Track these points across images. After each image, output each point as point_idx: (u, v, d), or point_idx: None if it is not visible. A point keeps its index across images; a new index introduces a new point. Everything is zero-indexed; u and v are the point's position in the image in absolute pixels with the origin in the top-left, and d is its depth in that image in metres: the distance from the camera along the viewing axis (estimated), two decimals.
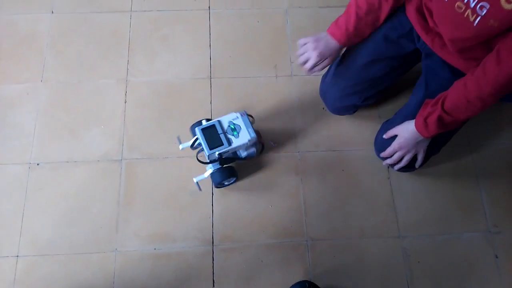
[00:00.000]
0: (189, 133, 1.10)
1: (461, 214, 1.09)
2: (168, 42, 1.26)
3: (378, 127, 1.16)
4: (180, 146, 1.03)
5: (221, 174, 1.03)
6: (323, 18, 1.30)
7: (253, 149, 1.05)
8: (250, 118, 1.03)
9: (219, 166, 1.03)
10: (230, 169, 1.05)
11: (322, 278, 1.02)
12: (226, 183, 1.07)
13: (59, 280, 1.00)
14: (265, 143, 1.09)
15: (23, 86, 1.19)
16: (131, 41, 1.26)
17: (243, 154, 1.05)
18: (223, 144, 0.99)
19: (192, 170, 1.09)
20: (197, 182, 1.03)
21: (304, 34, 1.27)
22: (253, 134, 1.01)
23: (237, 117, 1.02)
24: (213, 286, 1.01)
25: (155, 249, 1.04)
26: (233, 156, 1.05)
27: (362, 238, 1.06)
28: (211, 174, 1.03)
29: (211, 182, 1.07)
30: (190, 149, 1.05)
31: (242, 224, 1.07)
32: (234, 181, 1.09)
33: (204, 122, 1.03)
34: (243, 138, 1.00)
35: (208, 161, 1.01)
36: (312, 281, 0.99)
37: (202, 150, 1.01)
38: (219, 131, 1.00)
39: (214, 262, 1.03)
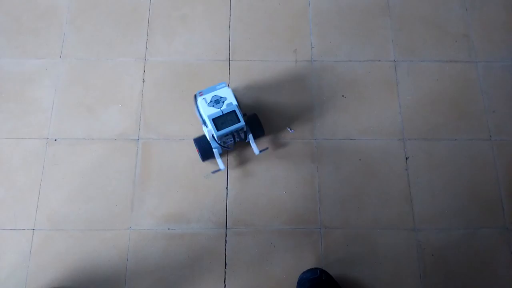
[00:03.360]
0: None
1: (478, 209, 1.07)
2: (187, 22, 1.24)
3: (398, 117, 1.15)
4: (221, 167, 1.04)
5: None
6: (347, 2, 1.27)
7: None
8: (200, 96, 1.02)
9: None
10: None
11: (334, 266, 1.02)
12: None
13: (74, 255, 1.02)
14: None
15: (42, 61, 1.19)
16: (150, 20, 1.24)
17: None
18: (235, 108, 0.99)
19: None
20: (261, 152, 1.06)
21: (327, 18, 1.25)
22: (223, 83, 1.02)
23: (204, 98, 1.01)
24: (225, 268, 1.02)
25: (169, 229, 1.04)
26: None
27: (376, 229, 1.05)
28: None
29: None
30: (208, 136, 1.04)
31: (256, 208, 1.06)
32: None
33: (209, 131, 1.01)
34: (228, 94, 1.01)
35: (244, 125, 1.01)
36: (324, 269, 0.99)
37: (241, 135, 1.03)
38: (219, 113, 0.99)
39: (226, 244, 1.03)
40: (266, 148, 1.09)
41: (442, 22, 1.26)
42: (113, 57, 1.20)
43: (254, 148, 1.05)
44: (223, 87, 1.02)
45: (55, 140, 1.11)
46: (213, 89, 1.02)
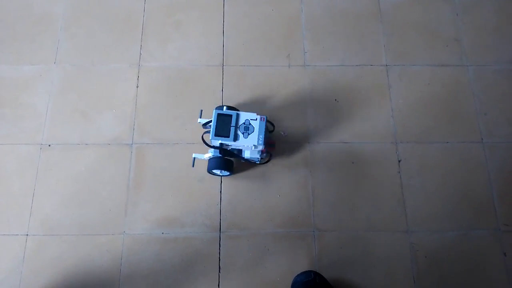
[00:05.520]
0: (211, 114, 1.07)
1: (471, 211, 1.08)
2: (181, 28, 1.25)
3: (390, 121, 1.16)
4: (198, 119, 1.05)
5: (217, 163, 1.02)
6: (339, 8, 1.28)
7: (257, 155, 1.02)
8: (269, 124, 1.02)
9: (219, 155, 1.02)
10: (228, 162, 1.03)
11: (327, 269, 1.02)
12: (217, 172, 1.06)
13: (67, 260, 1.02)
14: (272, 154, 1.09)
15: (37, 68, 1.20)
16: (144, 25, 1.25)
17: (246, 155, 1.03)
18: (228, 137, 0.98)
19: None
20: (194, 158, 1.03)
21: (319, 24, 1.27)
22: (261, 142, 0.99)
23: (256, 119, 1.00)
24: (219, 272, 1.02)
25: (162, 233, 1.04)
26: (236, 153, 1.03)
27: (370, 231, 1.06)
28: (209, 158, 1.03)
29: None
30: (200, 138, 1.05)
31: (249, 212, 1.07)
32: (228, 175, 1.08)
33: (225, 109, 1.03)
34: (250, 141, 0.99)
35: (211, 145, 1.01)
36: (317, 271, 0.99)
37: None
38: (233, 123, 0.99)
39: (220, 248, 1.03)
40: (193, 166, 1.04)
41: (433, 27, 1.27)
42: (107, 63, 1.21)
43: (196, 154, 1.04)
44: (256, 143, 0.99)
45: (49, 145, 1.12)
46: (262, 131, 0.99)
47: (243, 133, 0.99)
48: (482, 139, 1.15)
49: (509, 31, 1.27)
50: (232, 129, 0.98)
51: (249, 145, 0.99)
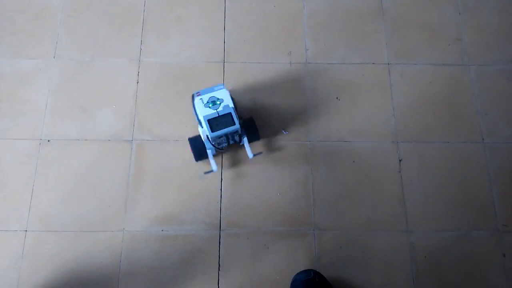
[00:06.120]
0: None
1: (471, 211, 1.08)
2: (182, 24, 1.24)
3: (391, 120, 1.16)
4: (213, 168, 1.05)
5: (252, 130, 1.06)
6: (341, 6, 1.28)
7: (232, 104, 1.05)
8: (197, 96, 1.03)
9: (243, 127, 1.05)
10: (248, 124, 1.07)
11: (327, 268, 1.02)
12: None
13: (66, 256, 1.01)
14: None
15: (35, 62, 1.19)
16: (145, 21, 1.24)
17: (234, 114, 1.04)
18: (234, 121, 0.99)
19: None
20: (253, 154, 1.06)
21: (321, 21, 1.26)
22: (225, 87, 1.03)
23: (201, 99, 1.02)
24: (219, 269, 1.02)
25: (162, 230, 1.04)
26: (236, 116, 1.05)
27: (370, 231, 1.06)
28: (248, 142, 1.06)
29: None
30: (201, 137, 1.05)
31: (250, 210, 1.06)
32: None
33: (200, 130, 1.03)
34: (226, 97, 1.01)
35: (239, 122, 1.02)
36: (317, 270, 1.00)
37: (236, 138, 1.04)
38: (214, 114, 0.99)
39: (220, 246, 1.03)
40: (260, 153, 1.09)
41: (435, 26, 1.27)
42: (107, 58, 1.19)
43: (248, 151, 1.05)
44: (221, 88, 1.03)
45: (48, 141, 1.11)
46: (211, 90, 1.02)
47: (219, 104, 1.01)
48: (483, 139, 1.15)
49: (511, 31, 1.27)
50: (221, 111, 1.00)
51: (229, 97, 1.01)
